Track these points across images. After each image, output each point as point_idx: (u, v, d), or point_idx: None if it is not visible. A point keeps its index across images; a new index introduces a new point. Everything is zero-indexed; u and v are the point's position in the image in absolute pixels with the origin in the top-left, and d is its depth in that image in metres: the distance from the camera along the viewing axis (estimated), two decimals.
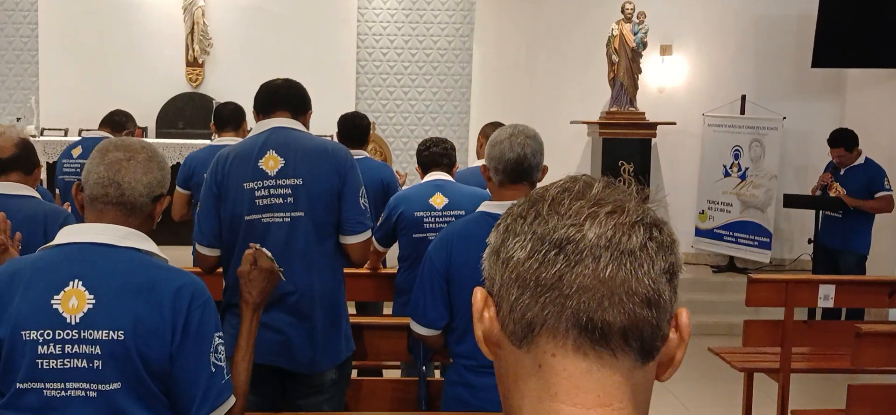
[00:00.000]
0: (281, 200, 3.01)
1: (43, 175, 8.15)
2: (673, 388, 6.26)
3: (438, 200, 4.17)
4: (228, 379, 2.04)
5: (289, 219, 3.02)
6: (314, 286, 3.06)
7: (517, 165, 2.79)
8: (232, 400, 2.05)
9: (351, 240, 3.08)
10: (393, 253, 4.60)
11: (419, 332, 2.96)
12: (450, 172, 4.36)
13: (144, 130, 9.14)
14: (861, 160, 6.85)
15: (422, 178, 4.40)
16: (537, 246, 0.86)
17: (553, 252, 0.85)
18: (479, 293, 0.92)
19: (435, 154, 4.35)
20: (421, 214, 4.16)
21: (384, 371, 4.93)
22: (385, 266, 4.88)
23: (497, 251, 0.90)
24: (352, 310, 4.85)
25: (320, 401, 3.14)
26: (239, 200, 3.02)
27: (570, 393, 0.85)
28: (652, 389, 0.92)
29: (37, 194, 3.28)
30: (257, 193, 3.01)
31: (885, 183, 6.70)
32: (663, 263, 0.87)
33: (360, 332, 3.58)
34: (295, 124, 3.14)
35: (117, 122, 5.33)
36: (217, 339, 2.00)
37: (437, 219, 4.13)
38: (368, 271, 4.56)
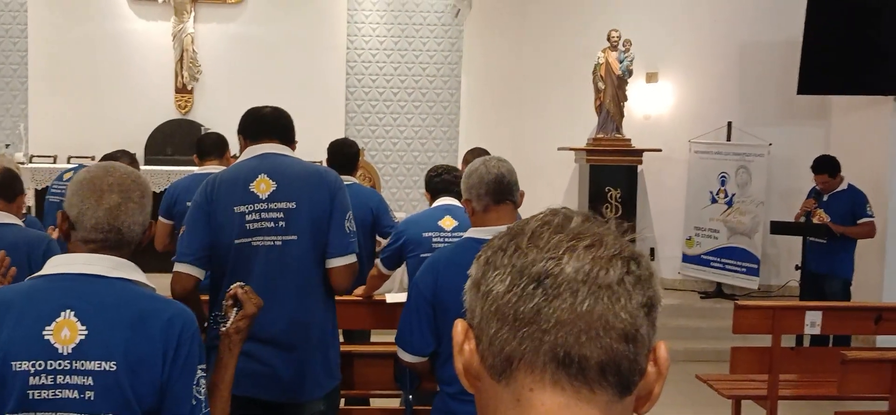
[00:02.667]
0: (272, 224, 3.00)
1: (31, 202, 8.14)
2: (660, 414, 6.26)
3: (448, 223, 4.18)
4: (207, 413, 2.04)
5: (280, 242, 3.00)
6: (305, 313, 3.04)
7: (498, 184, 2.83)
8: None
9: (335, 263, 3.06)
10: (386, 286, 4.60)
11: (405, 359, 2.95)
12: (459, 199, 4.35)
13: (133, 156, 9.12)
14: (844, 186, 6.91)
15: (430, 203, 4.41)
16: (516, 280, 0.86)
17: (531, 286, 0.85)
18: (459, 326, 0.92)
19: (446, 181, 4.36)
20: (429, 234, 4.16)
21: (372, 400, 4.91)
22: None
23: (477, 284, 0.91)
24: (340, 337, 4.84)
25: None
26: (229, 225, 3.00)
27: None
28: None
29: (19, 222, 3.26)
30: (248, 217, 3.00)
31: (868, 209, 6.76)
32: (641, 297, 0.87)
33: (348, 360, 3.57)
34: (285, 150, 3.14)
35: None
36: (200, 371, 2.01)
37: (446, 240, 4.12)
38: (359, 299, 4.54)
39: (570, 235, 0.88)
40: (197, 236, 3.03)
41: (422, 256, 4.13)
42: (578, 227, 0.89)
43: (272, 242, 3.00)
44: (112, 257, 2.00)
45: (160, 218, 4.82)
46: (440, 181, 4.37)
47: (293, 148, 3.24)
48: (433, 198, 4.42)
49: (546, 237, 0.88)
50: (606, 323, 0.84)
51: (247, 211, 3.00)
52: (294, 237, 3.00)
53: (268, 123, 3.17)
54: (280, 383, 3.02)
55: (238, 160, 3.22)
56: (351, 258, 3.10)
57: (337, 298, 3.30)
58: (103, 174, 2.06)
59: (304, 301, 3.04)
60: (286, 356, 3.02)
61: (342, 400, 4.27)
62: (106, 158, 5.17)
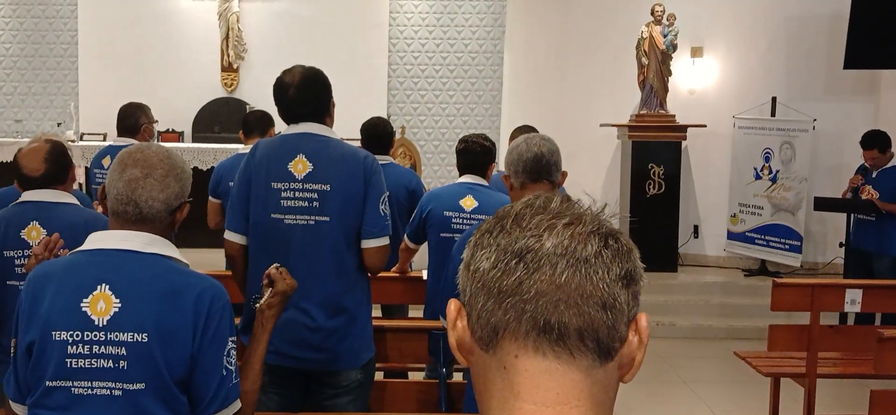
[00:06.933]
0: (306, 204, 3.09)
1: (82, 179, 8.35)
2: (700, 392, 6.26)
3: (468, 203, 4.25)
4: (236, 383, 2.14)
5: (313, 222, 3.09)
6: (340, 289, 3.13)
7: (536, 163, 2.87)
8: (238, 404, 2.15)
9: (368, 244, 3.14)
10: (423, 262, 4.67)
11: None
12: (484, 173, 4.38)
13: (181, 134, 9.33)
14: (894, 163, 6.80)
15: (460, 176, 4.46)
16: (501, 256, 0.93)
17: (514, 261, 0.92)
18: (452, 304, 1.00)
19: (473, 153, 4.34)
20: (450, 213, 4.24)
21: (410, 374, 5.00)
22: (412, 269, 4.95)
23: (468, 264, 0.98)
24: (377, 312, 4.93)
25: (345, 402, 3.21)
26: (265, 198, 3.11)
27: (531, 392, 0.92)
28: (616, 389, 0.98)
29: (76, 200, 3.30)
30: (283, 194, 3.10)
31: None
32: (619, 270, 0.93)
33: (384, 335, 3.65)
34: (324, 131, 3.21)
35: (130, 125, 5.02)
36: (230, 343, 2.10)
37: (465, 221, 4.20)
38: (396, 275, 4.63)
39: (550, 214, 0.95)
40: (239, 206, 3.18)
41: (442, 235, 4.21)
42: (558, 207, 0.96)
43: (306, 222, 3.09)
44: (146, 234, 2.10)
45: (210, 198, 4.97)
46: (465, 158, 4.37)
47: (332, 110, 3.27)
48: (460, 172, 4.44)
49: (528, 217, 0.95)
50: (584, 292, 0.91)
51: (283, 188, 3.09)
52: (326, 219, 3.09)
53: (298, 107, 3.20)
54: (318, 352, 3.12)
55: (281, 133, 3.30)
56: (384, 240, 3.18)
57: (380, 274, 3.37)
58: (135, 151, 2.16)
59: (338, 278, 3.12)
60: (323, 328, 3.11)
61: (380, 373, 4.37)
62: (118, 124, 5.10)
